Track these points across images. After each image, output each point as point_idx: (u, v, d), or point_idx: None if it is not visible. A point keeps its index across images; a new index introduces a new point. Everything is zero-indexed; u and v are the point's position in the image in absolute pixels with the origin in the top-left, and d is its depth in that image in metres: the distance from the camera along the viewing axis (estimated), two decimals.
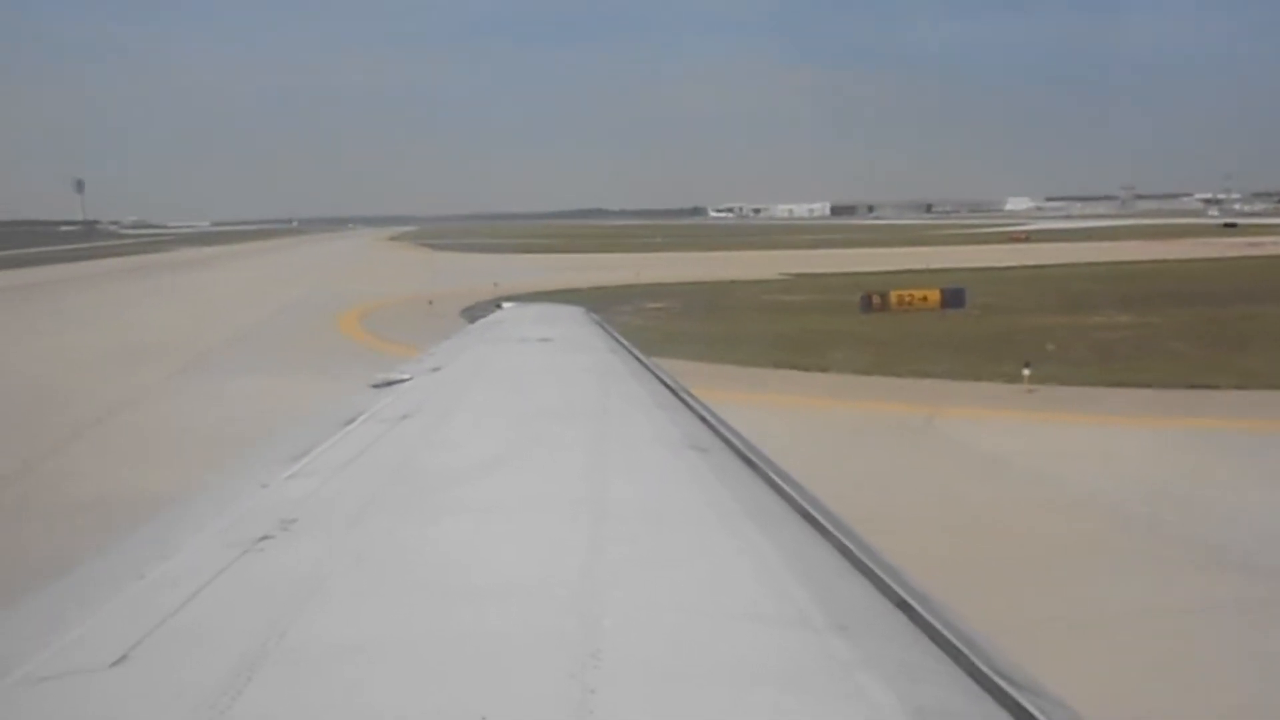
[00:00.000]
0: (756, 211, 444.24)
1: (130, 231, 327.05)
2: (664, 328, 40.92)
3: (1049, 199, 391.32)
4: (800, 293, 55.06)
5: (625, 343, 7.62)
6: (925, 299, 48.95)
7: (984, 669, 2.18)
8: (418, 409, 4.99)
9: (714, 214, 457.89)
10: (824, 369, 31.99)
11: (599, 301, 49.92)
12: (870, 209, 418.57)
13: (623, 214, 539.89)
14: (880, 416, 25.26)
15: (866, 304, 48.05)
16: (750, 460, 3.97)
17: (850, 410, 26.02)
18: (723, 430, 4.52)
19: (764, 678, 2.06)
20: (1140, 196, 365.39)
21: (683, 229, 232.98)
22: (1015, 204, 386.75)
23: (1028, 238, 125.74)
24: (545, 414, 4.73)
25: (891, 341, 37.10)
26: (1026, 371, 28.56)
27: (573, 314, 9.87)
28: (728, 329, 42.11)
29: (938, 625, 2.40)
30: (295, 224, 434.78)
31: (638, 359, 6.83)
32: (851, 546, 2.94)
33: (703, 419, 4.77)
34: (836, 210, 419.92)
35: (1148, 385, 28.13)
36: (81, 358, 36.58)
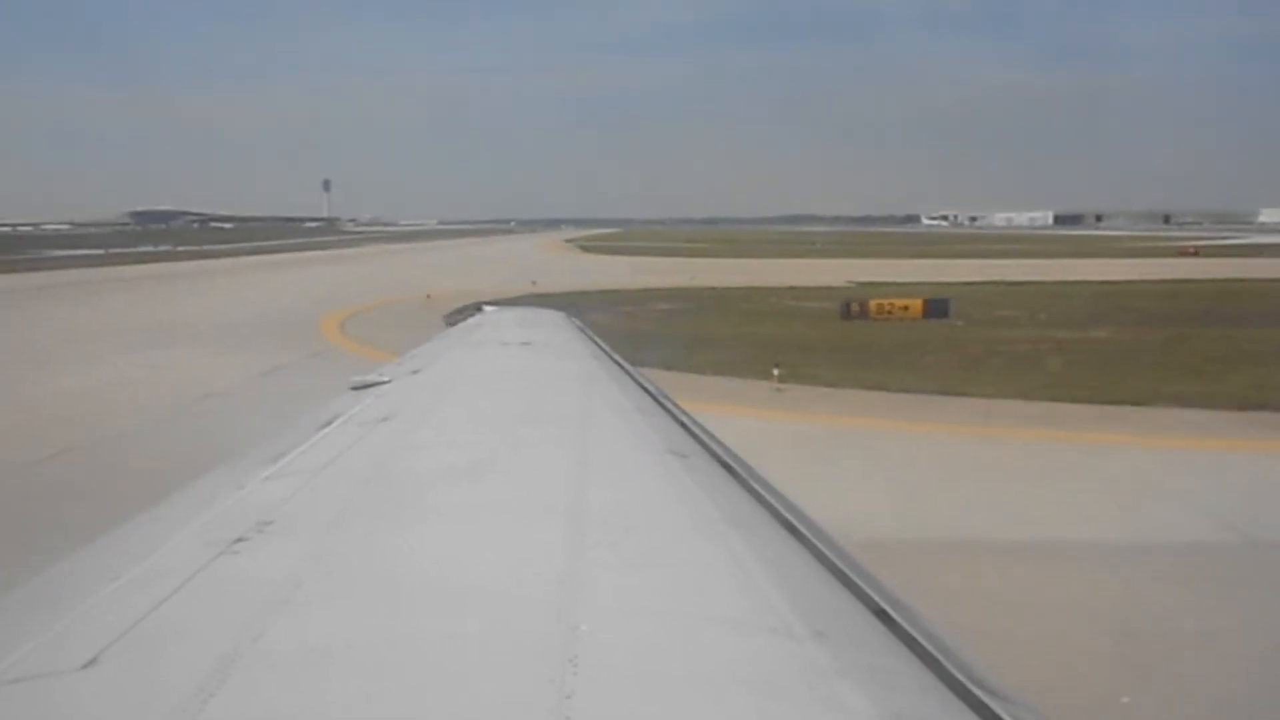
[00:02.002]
0: (973, 220, 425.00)
1: (362, 229, 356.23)
2: (627, 326, 41.48)
3: None
4: (819, 300, 54.26)
5: (606, 348, 7.72)
6: (906, 308, 47.37)
7: (959, 676, 2.23)
8: (397, 412, 5.01)
9: (927, 222, 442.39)
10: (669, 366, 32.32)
11: (628, 300, 53.21)
12: (1098, 219, 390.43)
13: (835, 220, 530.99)
14: None
15: (845, 311, 47.30)
16: (729, 466, 4.04)
17: None
18: (702, 436, 4.58)
19: (741, 683, 2.08)
20: None
21: (863, 237, 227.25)
22: (1270, 215, 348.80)
23: (1196, 252, 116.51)
24: (524, 418, 4.75)
25: (779, 345, 36.63)
26: (776, 371, 28.33)
27: (554, 318, 9.94)
28: (680, 329, 42.64)
29: (914, 632, 2.45)
30: (513, 224, 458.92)
31: (618, 364, 6.92)
32: (829, 553, 3.00)
33: (682, 425, 4.85)
34: (1060, 220, 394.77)
35: (945, 393, 26.94)
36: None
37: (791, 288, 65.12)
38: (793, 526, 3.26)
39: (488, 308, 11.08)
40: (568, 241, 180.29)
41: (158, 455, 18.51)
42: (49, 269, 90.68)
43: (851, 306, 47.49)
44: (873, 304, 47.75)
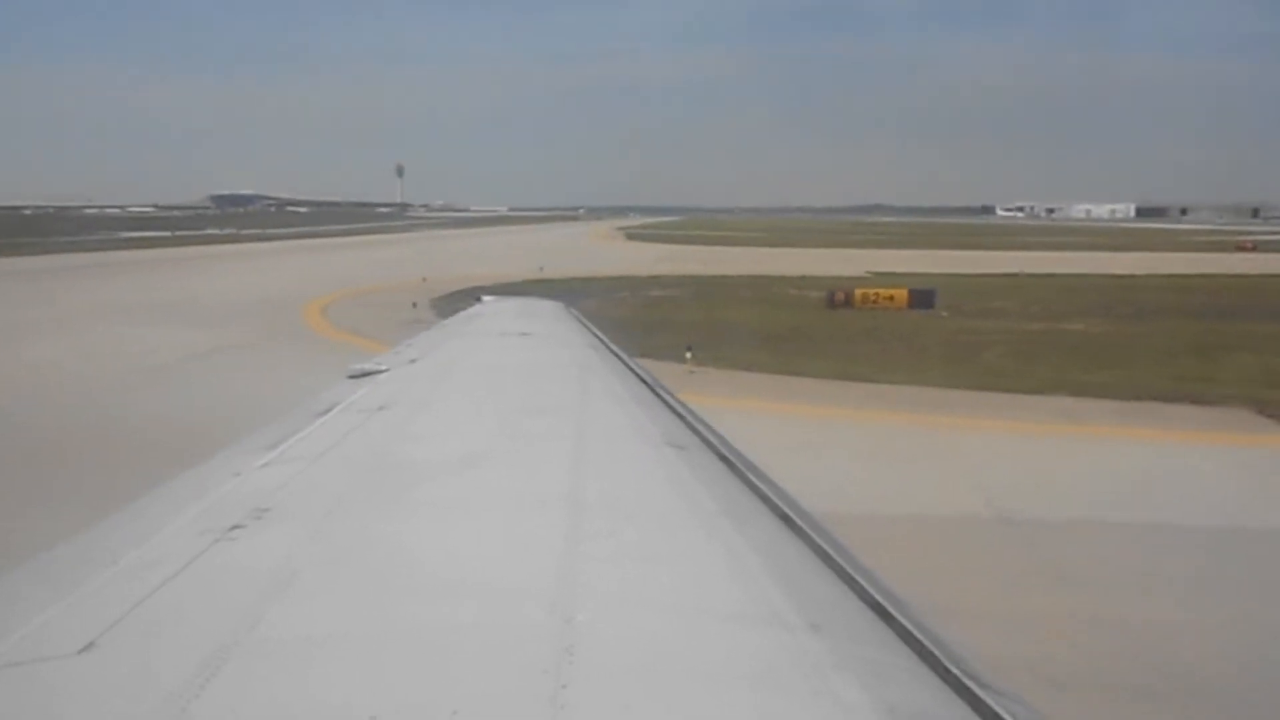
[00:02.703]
0: (1050, 211, 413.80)
1: (433, 214, 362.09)
2: (605, 311, 41.94)
3: None
4: (821, 290, 54.00)
5: (604, 338, 7.70)
6: (891, 298, 46.98)
7: (953, 669, 2.25)
8: (394, 401, 5.02)
9: (1002, 212, 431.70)
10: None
11: (625, 287, 54.15)
12: (1183, 211, 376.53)
13: (908, 211, 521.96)
14: None
15: (830, 301, 47.17)
16: (726, 458, 4.02)
17: None
18: (699, 427, 4.57)
19: (737, 675, 2.09)
20: None
21: (924, 228, 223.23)
22: None
23: (1254, 247, 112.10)
24: (522, 408, 4.75)
25: (736, 332, 36.79)
26: (689, 355, 28.62)
27: (552, 309, 9.88)
28: (652, 314, 43.05)
29: (909, 625, 2.47)
30: (581, 211, 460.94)
31: (616, 355, 6.90)
32: (825, 546, 3.00)
33: (680, 416, 4.84)
34: (1142, 212, 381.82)
35: (851, 378, 26.99)
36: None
37: (803, 277, 64.80)
38: (789, 519, 3.25)
39: (486, 298, 11.14)
40: (620, 229, 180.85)
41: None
42: (109, 249, 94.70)
43: (836, 296, 47.30)
44: (857, 294, 47.51)
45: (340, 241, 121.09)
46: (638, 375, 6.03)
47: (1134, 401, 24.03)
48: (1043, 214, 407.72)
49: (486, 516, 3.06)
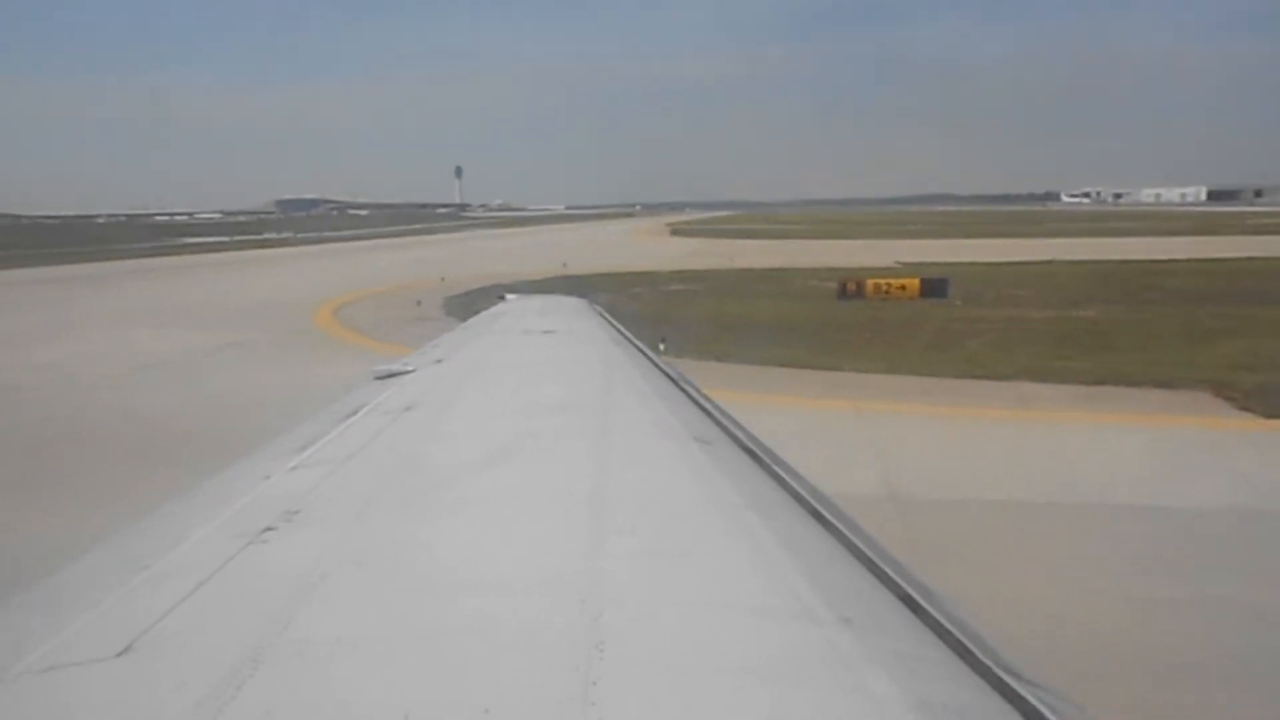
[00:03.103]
0: (1117, 197, 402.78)
1: (492, 214, 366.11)
2: (614, 306, 42.46)
3: None
4: (839, 280, 53.71)
5: (628, 334, 7.74)
6: (904, 288, 46.39)
7: (987, 662, 2.24)
8: (421, 401, 5.06)
9: (1067, 199, 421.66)
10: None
11: (643, 282, 54.92)
12: (1257, 194, 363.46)
13: (971, 199, 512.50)
14: None
15: (842, 291, 46.79)
16: (753, 452, 4.04)
17: None
18: (725, 422, 4.61)
19: (767, 670, 2.08)
20: None
21: (981, 216, 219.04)
22: None
23: None
24: (548, 406, 4.77)
25: (734, 324, 36.76)
26: (662, 346, 28.55)
27: (576, 305, 9.97)
28: (656, 308, 43.14)
29: (941, 619, 2.46)
30: (637, 208, 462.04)
31: (641, 351, 6.93)
32: (855, 539, 3.00)
33: (705, 411, 4.86)
34: (1214, 195, 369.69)
35: (822, 368, 26.83)
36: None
37: (830, 269, 64.24)
38: (818, 513, 3.26)
39: (510, 296, 11.12)
40: (669, 225, 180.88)
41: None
42: (164, 254, 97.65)
43: (848, 286, 46.82)
44: (869, 284, 46.93)
45: (385, 242, 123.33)
46: (663, 371, 6.03)
47: (1095, 386, 23.53)
48: (1110, 199, 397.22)
49: (514, 515, 3.08)
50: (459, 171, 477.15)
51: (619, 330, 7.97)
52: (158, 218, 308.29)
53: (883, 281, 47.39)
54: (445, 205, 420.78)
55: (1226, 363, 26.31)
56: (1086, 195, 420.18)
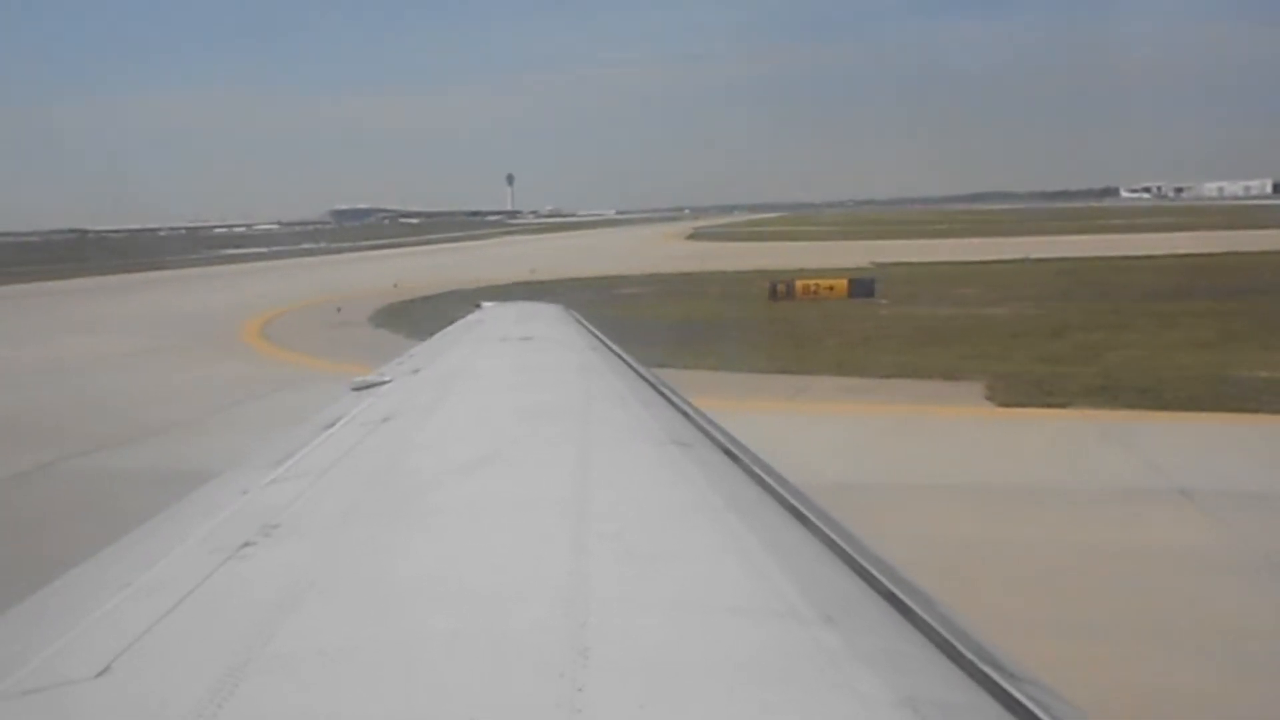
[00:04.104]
0: (1179, 191, 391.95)
1: (542, 220, 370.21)
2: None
3: None
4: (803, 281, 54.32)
5: (606, 340, 7.75)
6: (831, 289, 46.94)
7: (971, 657, 2.24)
8: (399, 411, 5.05)
9: (1126, 194, 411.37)
10: None
11: (598, 286, 56.73)
12: None
13: (1030, 196, 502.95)
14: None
15: (773, 292, 47.51)
16: (733, 454, 4.05)
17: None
18: (704, 425, 4.63)
19: (752, 670, 2.09)
20: None
21: (1022, 214, 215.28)
22: None
23: None
24: (527, 413, 4.76)
25: (647, 327, 37.60)
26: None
27: (553, 312, 10.02)
28: (595, 313, 44.25)
29: (926, 616, 2.47)
30: (686, 211, 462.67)
31: (619, 356, 6.92)
32: (835, 538, 3.01)
33: (684, 414, 4.88)
34: None
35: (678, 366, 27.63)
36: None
37: (799, 270, 64.61)
38: (799, 512, 3.28)
39: (486, 304, 11.12)
40: (694, 229, 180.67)
41: None
42: (201, 265, 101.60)
43: (778, 288, 47.52)
44: (798, 285, 47.62)
45: (402, 250, 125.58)
46: (641, 376, 6.05)
47: (885, 379, 24.12)
48: (1171, 194, 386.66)
49: (495, 523, 3.08)
50: (510, 179, 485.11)
51: (596, 336, 7.99)
52: (217, 230, 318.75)
53: (811, 283, 47.92)
54: (496, 212, 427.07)
55: (1045, 356, 26.60)
56: (1147, 190, 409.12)
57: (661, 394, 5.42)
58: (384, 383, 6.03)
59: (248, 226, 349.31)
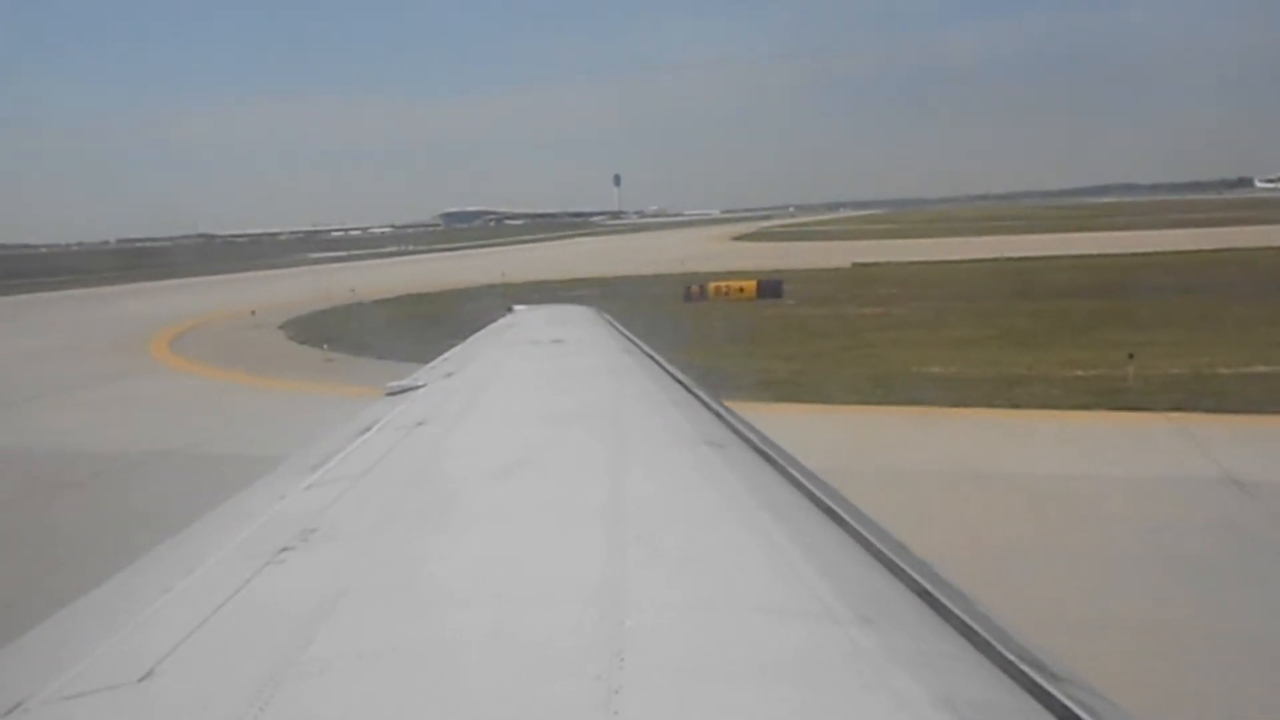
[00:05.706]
0: None
1: (646, 219, 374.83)
2: (458, 313, 46.18)
3: None
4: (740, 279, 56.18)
5: (638, 341, 7.76)
6: (741, 290, 48.79)
7: (1010, 656, 2.23)
8: (433, 415, 5.07)
9: (1261, 184, 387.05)
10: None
11: (554, 289, 57.06)
12: None
13: (1155, 189, 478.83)
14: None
15: (687, 294, 49.50)
16: (766, 454, 4.02)
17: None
18: (737, 425, 4.60)
19: (788, 671, 2.08)
20: None
21: (1117, 209, 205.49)
22: None
23: None
24: (560, 415, 4.74)
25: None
26: (325, 346, 32.73)
27: (584, 314, 10.04)
28: (487, 314, 47.41)
29: (961, 614, 2.45)
30: (791, 209, 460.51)
31: (651, 357, 6.92)
32: (871, 538, 3.00)
33: (717, 415, 4.88)
34: None
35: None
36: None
37: (775, 270, 65.56)
38: (833, 512, 3.28)
39: (518, 307, 11.19)
40: (758, 229, 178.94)
41: None
42: (277, 267, 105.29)
43: (692, 289, 49.22)
44: (711, 286, 49.24)
45: (474, 250, 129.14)
46: (673, 377, 6.07)
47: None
48: None
49: (530, 526, 3.07)
50: (617, 180, 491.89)
51: (628, 337, 8.03)
52: (334, 233, 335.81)
53: (723, 284, 49.26)
54: (600, 213, 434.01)
55: (823, 352, 28.34)
56: None
57: (694, 395, 5.42)
58: (418, 387, 6.14)
59: (363, 230, 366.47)
